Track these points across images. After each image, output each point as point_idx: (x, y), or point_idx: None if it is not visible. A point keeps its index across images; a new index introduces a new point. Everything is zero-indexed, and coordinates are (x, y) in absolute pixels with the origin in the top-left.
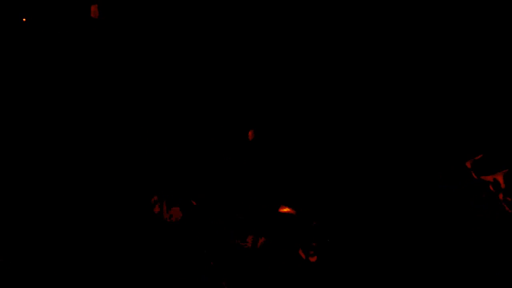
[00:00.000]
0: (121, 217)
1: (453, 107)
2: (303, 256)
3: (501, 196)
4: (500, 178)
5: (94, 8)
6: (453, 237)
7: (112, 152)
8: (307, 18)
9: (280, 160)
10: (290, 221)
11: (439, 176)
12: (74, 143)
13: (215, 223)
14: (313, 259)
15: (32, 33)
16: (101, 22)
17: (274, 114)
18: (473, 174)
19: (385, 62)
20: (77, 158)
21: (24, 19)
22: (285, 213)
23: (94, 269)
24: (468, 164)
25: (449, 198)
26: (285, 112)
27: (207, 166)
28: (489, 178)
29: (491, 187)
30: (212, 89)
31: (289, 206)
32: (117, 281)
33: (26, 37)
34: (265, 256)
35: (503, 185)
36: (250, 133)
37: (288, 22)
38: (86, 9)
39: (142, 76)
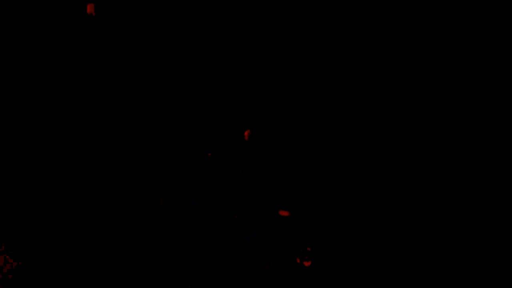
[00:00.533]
0: (120, 215)
1: (453, 108)
2: (297, 260)
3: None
4: (499, 178)
5: (90, 7)
6: (450, 246)
7: (111, 152)
8: (303, 19)
9: (276, 162)
10: (285, 225)
11: (436, 179)
12: (69, 141)
13: (212, 224)
14: (307, 263)
15: (29, 30)
16: (97, 20)
17: (270, 115)
18: (472, 175)
19: (383, 63)
20: (75, 157)
21: (20, 17)
22: (281, 217)
23: (95, 267)
24: (466, 165)
25: (446, 203)
26: (281, 114)
27: (205, 166)
28: (488, 178)
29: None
30: (209, 89)
31: (285, 209)
32: (116, 279)
33: (23, 34)
34: (260, 259)
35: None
36: (246, 133)
37: (284, 24)
38: (82, 7)
39: (140, 74)
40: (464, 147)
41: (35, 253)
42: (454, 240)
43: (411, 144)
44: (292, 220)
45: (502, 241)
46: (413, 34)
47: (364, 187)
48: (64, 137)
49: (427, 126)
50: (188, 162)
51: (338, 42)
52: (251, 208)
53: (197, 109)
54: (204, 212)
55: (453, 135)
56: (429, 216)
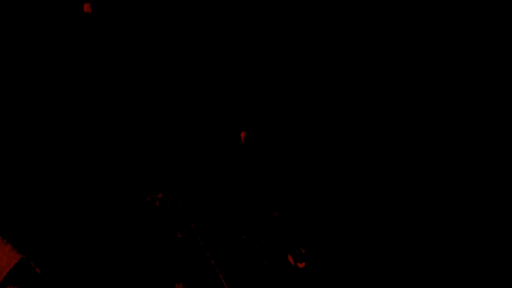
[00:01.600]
0: (117, 214)
1: (453, 108)
2: (292, 262)
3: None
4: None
5: (86, 6)
6: (450, 246)
7: (109, 152)
8: (301, 20)
9: (271, 164)
10: (280, 227)
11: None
12: (65, 140)
13: (208, 224)
14: (301, 265)
15: (26, 30)
16: (94, 19)
17: (266, 117)
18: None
19: (383, 63)
20: (72, 158)
21: (19, 17)
22: (276, 219)
23: (92, 266)
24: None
25: (446, 203)
26: (277, 116)
27: (202, 167)
28: (488, 177)
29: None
30: (206, 91)
31: (280, 210)
32: (113, 278)
33: (21, 33)
34: (256, 261)
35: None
36: (242, 134)
37: (281, 25)
38: (79, 7)
39: (137, 75)
40: (464, 147)
41: (32, 253)
42: (453, 240)
43: (410, 144)
44: (286, 222)
45: (502, 241)
46: (413, 34)
47: (360, 188)
48: (60, 136)
49: (427, 126)
50: (185, 163)
51: (336, 42)
52: (247, 209)
53: (194, 110)
54: (200, 213)
55: (453, 135)
56: (428, 217)
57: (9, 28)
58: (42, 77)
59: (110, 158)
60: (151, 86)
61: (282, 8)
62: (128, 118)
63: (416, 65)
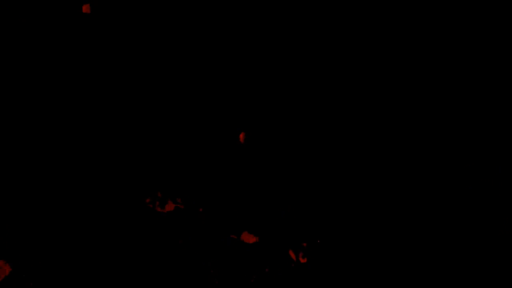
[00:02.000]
0: (116, 215)
1: (453, 108)
2: (293, 257)
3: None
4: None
5: (85, 7)
6: (450, 245)
7: (106, 154)
8: (299, 21)
9: (271, 162)
10: (281, 222)
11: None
12: (65, 142)
13: (208, 222)
14: (303, 260)
15: (25, 31)
16: (93, 20)
17: (265, 118)
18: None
19: (383, 63)
20: (72, 159)
21: (15, 17)
22: (275, 215)
23: (90, 266)
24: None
25: (446, 203)
26: (276, 116)
27: (201, 167)
28: (488, 177)
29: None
30: (205, 91)
31: (280, 207)
32: (112, 279)
33: (19, 34)
34: (257, 257)
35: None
36: (241, 135)
37: (279, 25)
38: (78, 8)
39: (136, 76)
40: (464, 147)
41: (30, 257)
42: (453, 239)
43: (409, 143)
44: (288, 217)
45: (502, 241)
46: (413, 34)
47: (360, 185)
48: (60, 138)
49: (426, 126)
50: (184, 164)
51: (336, 42)
52: (247, 207)
53: (193, 111)
54: (200, 212)
55: (453, 135)
56: (427, 215)
57: (8, 29)
58: (41, 78)
59: (107, 160)
60: (151, 88)
61: (281, 8)
62: (127, 119)
63: (415, 64)
